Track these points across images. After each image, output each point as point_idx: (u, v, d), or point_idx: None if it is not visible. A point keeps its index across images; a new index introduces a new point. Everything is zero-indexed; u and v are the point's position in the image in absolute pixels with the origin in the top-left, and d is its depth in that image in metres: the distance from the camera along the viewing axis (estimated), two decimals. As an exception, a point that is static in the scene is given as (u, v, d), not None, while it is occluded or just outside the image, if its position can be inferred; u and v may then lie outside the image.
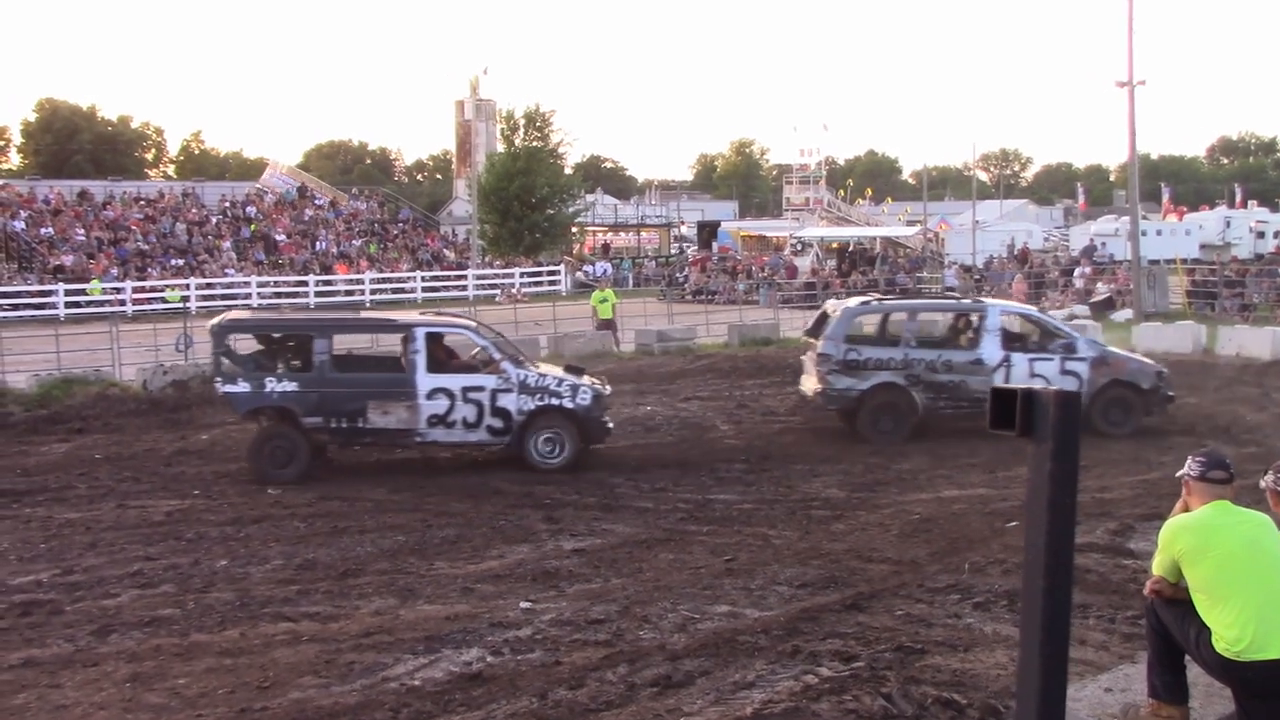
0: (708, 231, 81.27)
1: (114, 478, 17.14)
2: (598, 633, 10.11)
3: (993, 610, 10.45)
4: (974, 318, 20.16)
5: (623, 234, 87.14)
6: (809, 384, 20.05)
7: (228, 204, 64.72)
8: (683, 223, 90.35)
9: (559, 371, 18.33)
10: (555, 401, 17.50)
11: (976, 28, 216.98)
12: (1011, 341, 19.95)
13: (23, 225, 56.72)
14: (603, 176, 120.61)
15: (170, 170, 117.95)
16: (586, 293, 46.19)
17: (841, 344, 19.42)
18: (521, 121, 71.07)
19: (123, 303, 49.10)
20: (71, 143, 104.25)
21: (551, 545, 13.14)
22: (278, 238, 61.36)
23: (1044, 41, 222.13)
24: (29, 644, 10.21)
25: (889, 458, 17.89)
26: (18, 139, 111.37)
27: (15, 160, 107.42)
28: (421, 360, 17.52)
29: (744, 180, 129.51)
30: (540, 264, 64.12)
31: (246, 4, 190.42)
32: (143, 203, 62.97)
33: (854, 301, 20.63)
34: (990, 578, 11.38)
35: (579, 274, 63.85)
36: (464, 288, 57.67)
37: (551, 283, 60.88)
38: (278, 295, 52.94)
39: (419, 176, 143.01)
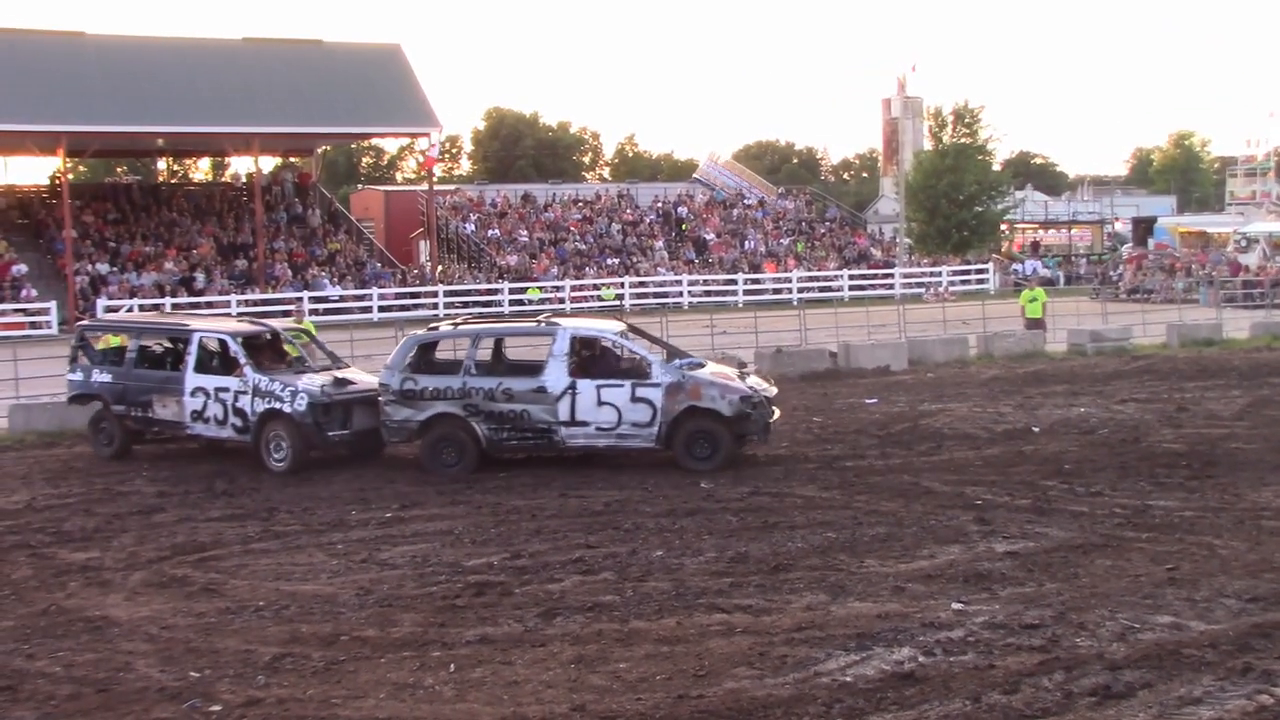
0: (1143, 228, 77.86)
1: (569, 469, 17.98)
2: (1032, 638, 9.92)
3: None
4: (543, 341, 18.54)
5: (1053, 231, 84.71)
6: None
7: (660, 204, 66.60)
8: (1116, 219, 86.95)
9: (304, 379, 18.78)
10: (277, 405, 18.48)
11: None
12: (581, 367, 18.13)
13: (473, 227, 60.20)
14: (1032, 172, 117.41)
15: (605, 173, 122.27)
16: (1016, 291, 45.20)
17: (399, 373, 18.26)
18: (949, 118, 70.14)
19: (562, 300, 51.44)
20: (516, 148, 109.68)
21: (983, 547, 12.94)
22: (707, 237, 62.71)
23: None
24: (483, 622, 10.87)
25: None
26: (468, 146, 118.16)
27: (466, 167, 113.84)
28: (192, 361, 19.14)
29: (1183, 174, 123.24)
30: (968, 262, 63.09)
31: (678, 12, 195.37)
32: (581, 204, 65.65)
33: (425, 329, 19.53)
34: None
35: (1023, 267, 62.47)
36: (890, 286, 57.44)
37: (979, 281, 59.81)
38: (707, 294, 54.16)
39: (845, 175, 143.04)
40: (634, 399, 17.63)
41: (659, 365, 18.00)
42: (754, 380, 18.64)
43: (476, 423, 17.91)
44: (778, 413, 18.46)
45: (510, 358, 19.47)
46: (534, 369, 18.34)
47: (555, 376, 17.84)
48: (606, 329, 19.05)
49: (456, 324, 19.99)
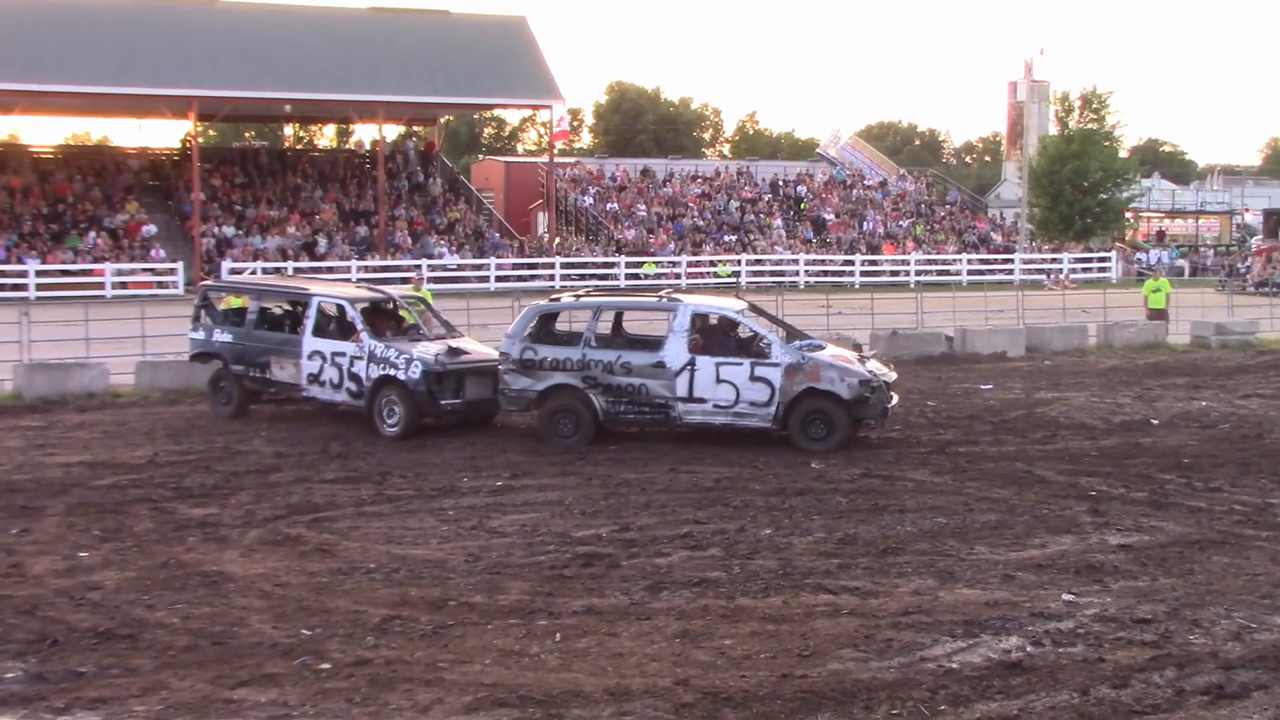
0: (1275, 220, 76.08)
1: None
2: (1144, 632, 9.77)
3: None
4: (663, 317, 18.34)
5: (1179, 220, 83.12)
6: None
7: (780, 180, 66.31)
8: (1246, 210, 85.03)
9: (419, 347, 18.95)
10: (391, 372, 18.70)
11: None
12: (701, 344, 17.89)
13: (591, 200, 60.39)
14: (1160, 160, 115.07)
15: (725, 150, 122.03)
16: (1139, 281, 44.47)
17: (519, 342, 18.19)
18: (1077, 103, 69.06)
19: (678, 276, 51.51)
20: (637, 123, 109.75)
21: (1096, 538, 12.76)
22: (826, 217, 62.37)
23: None
24: (590, 593, 10.95)
25: None
26: (590, 120, 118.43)
27: (587, 140, 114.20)
28: (310, 324, 19.41)
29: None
30: (1090, 250, 62.13)
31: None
32: (700, 180, 65.56)
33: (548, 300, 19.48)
34: None
35: (1148, 257, 61.47)
36: (1010, 272, 56.73)
37: (1101, 270, 58.89)
38: (824, 274, 53.92)
39: (967, 158, 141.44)
40: (752, 378, 17.60)
41: (779, 345, 17.94)
42: (874, 364, 18.52)
43: (594, 395, 17.98)
44: (896, 398, 18.35)
45: (629, 332, 19.56)
46: (654, 344, 18.39)
47: (675, 352, 17.85)
48: (728, 307, 19.04)
49: (578, 296, 20.11)
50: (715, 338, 18.41)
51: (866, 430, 18.13)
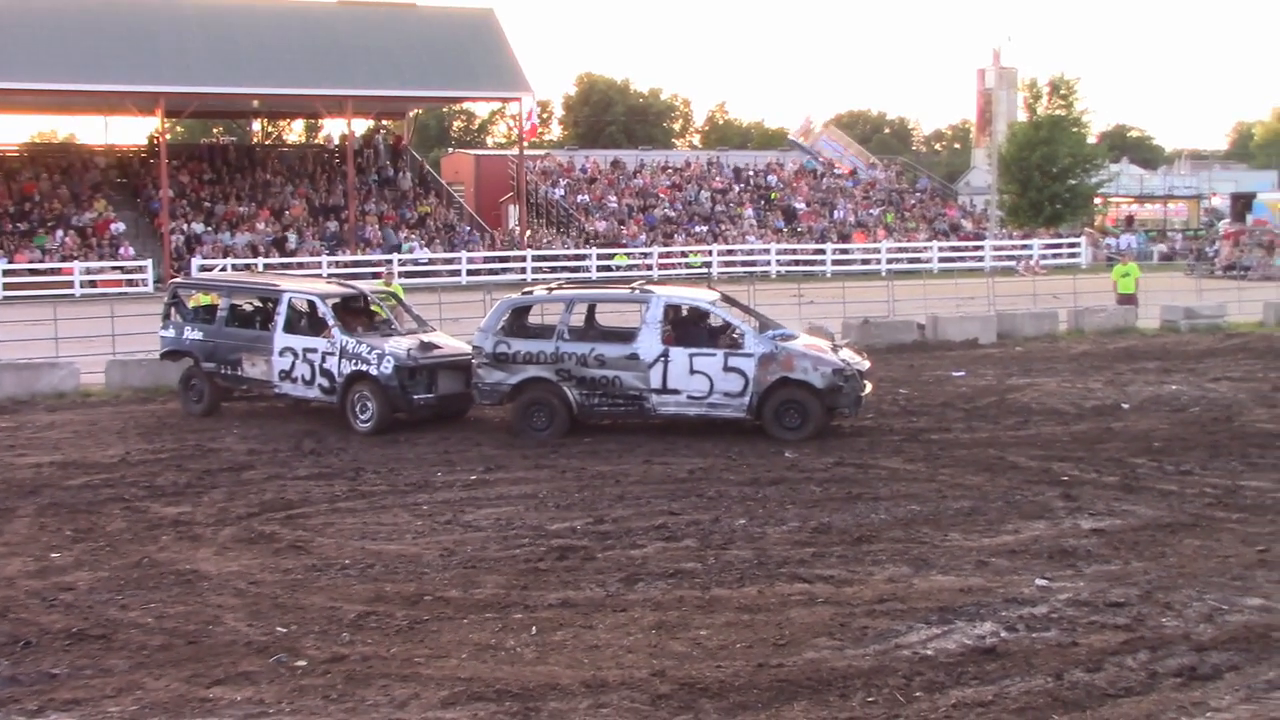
0: (1242, 203, 76.37)
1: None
2: (1117, 616, 9.82)
3: None
4: (636, 308, 18.38)
5: (1148, 205, 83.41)
6: None
7: (750, 172, 66.33)
8: (1214, 194, 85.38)
9: (391, 342, 19.02)
10: (364, 368, 18.60)
11: None
12: (674, 335, 17.97)
13: (562, 192, 60.31)
14: (1128, 145, 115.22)
15: (695, 140, 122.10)
16: (1109, 266, 44.66)
17: (492, 336, 18.22)
18: (1045, 89, 69.20)
19: (649, 267, 51.50)
20: (606, 114, 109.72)
21: (1069, 523, 12.83)
22: (797, 206, 62.42)
23: None
24: (565, 586, 10.96)
25: None
26: (559, 112, 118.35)
27: (556, 132, 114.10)
28: (281, 320, 19.34)
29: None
30: (1060, 235, 62.36)
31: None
32: (670, 171, 65.53)
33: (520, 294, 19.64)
34: None
35: (1119, 242, 61.77)
36: (980, 258, 56.87)
37: (1071, 255, 59.09)
38: (795, 263, 53.99)
39: (937, 146, 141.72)
40: (726, 368, 17.60)
41: (752, 335, 17.95)
42: (846, 353, 18.55)
43: (568, 388, 17.96)
44: (869, 386, 18.39)
45: (602, 324, 19.57)
46: (627, 336, 18.37)
47: (648, 344, 17.84)
48: (700, 298, 19.02)
49: (550, 289, 20.07)
50: (688, 329, 18.41)
51: (840, 419, 18.16)
